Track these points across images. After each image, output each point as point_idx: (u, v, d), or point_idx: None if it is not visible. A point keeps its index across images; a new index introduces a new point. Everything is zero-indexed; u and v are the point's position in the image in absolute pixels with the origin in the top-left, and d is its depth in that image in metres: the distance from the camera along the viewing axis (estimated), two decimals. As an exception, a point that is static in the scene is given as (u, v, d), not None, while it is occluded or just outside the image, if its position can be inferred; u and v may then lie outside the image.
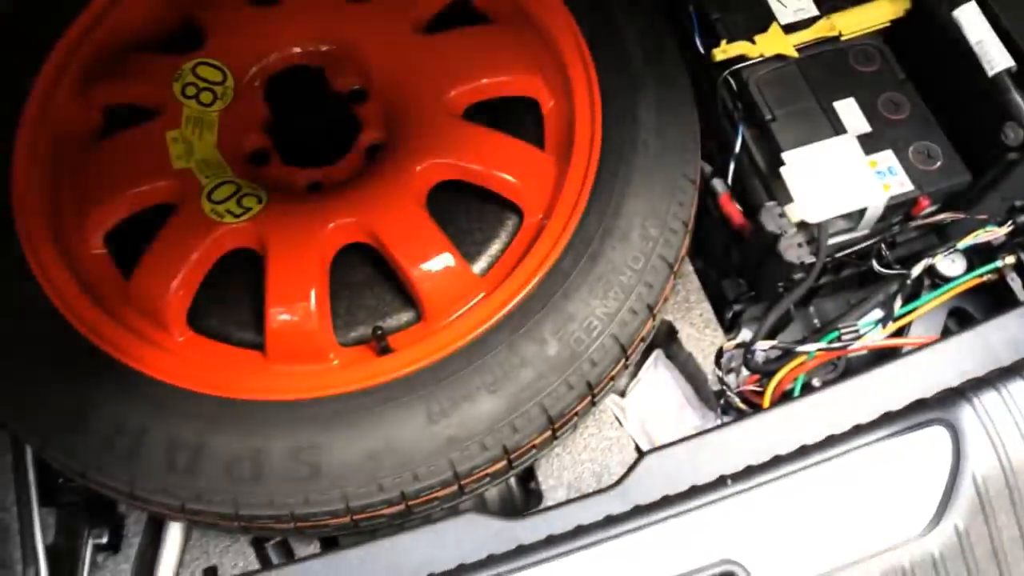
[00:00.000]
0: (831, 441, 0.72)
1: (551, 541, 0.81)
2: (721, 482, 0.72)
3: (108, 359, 1.12)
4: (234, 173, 1.24)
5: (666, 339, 1.41)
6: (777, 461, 0.72)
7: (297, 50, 1.35)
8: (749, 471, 0.72)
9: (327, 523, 1.08)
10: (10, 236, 1.19)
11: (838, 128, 1.32)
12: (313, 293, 1.16)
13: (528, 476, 1.31)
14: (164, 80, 1.29)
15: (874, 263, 1.27)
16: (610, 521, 0.74)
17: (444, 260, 1.19)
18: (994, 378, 0.70)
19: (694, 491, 0.72)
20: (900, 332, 1.24)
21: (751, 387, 1.26)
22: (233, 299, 1.22)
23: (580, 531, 0.78)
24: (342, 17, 1.36)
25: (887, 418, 0.73)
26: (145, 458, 1.07)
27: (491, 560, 0.82)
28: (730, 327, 1.43)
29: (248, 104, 1.32)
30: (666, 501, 0.71)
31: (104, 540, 1.28)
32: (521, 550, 0.80)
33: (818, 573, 0.67)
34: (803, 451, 0.72)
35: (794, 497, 0.71)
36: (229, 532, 1.25)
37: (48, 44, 1.32)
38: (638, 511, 0.72)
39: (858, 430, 0.73)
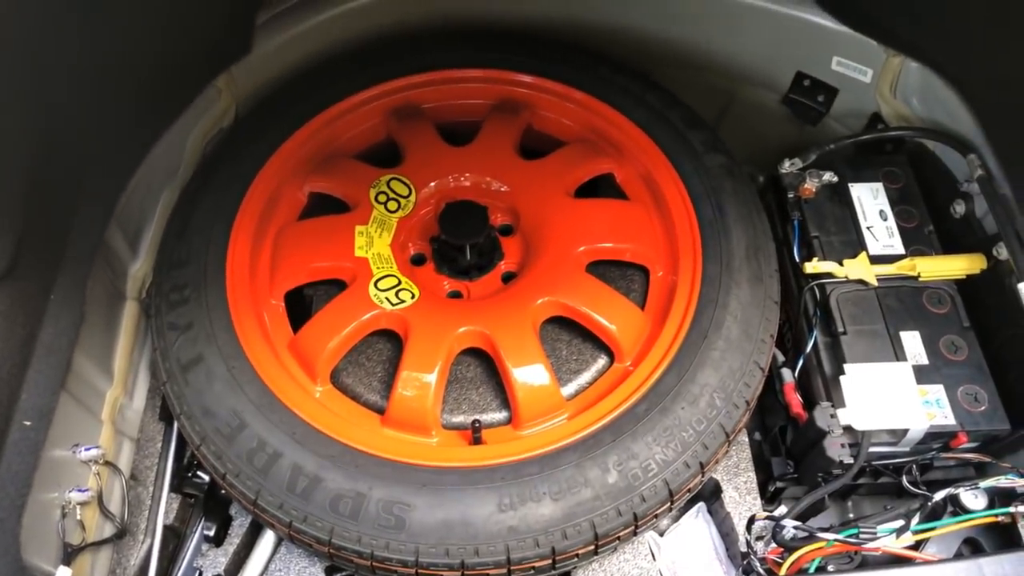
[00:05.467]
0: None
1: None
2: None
3: (265, 390, 1.41)
4: (398, 269, 1.55)
5: (711, 495, 1.60)
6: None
7: (468, 185, 1.68)
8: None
9: (396, 570, 1.30)
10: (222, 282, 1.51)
11: (899, 355, 1.52)
12: (435, 377, 1.43)
13: (563, 580, 1.51)
14: (364, 185, 1.63)
15: (904, 479, 1.43)
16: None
17: (541, 377, 1.45)
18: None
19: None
20: (917, 545, 1.40)
21: (774, 557, 1.42)
22: (367, 368, 1.51)
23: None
24: (511, 169, 1.69)
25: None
26: (274, 476, 1.33)
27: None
28: (771, 499, 1.61)
29: (422, 218, 1.65)
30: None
31: (211, 532, 1.54)
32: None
33: None
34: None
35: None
36: (316, 555, 1.48)
37: (277, 143, 1.65)
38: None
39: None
